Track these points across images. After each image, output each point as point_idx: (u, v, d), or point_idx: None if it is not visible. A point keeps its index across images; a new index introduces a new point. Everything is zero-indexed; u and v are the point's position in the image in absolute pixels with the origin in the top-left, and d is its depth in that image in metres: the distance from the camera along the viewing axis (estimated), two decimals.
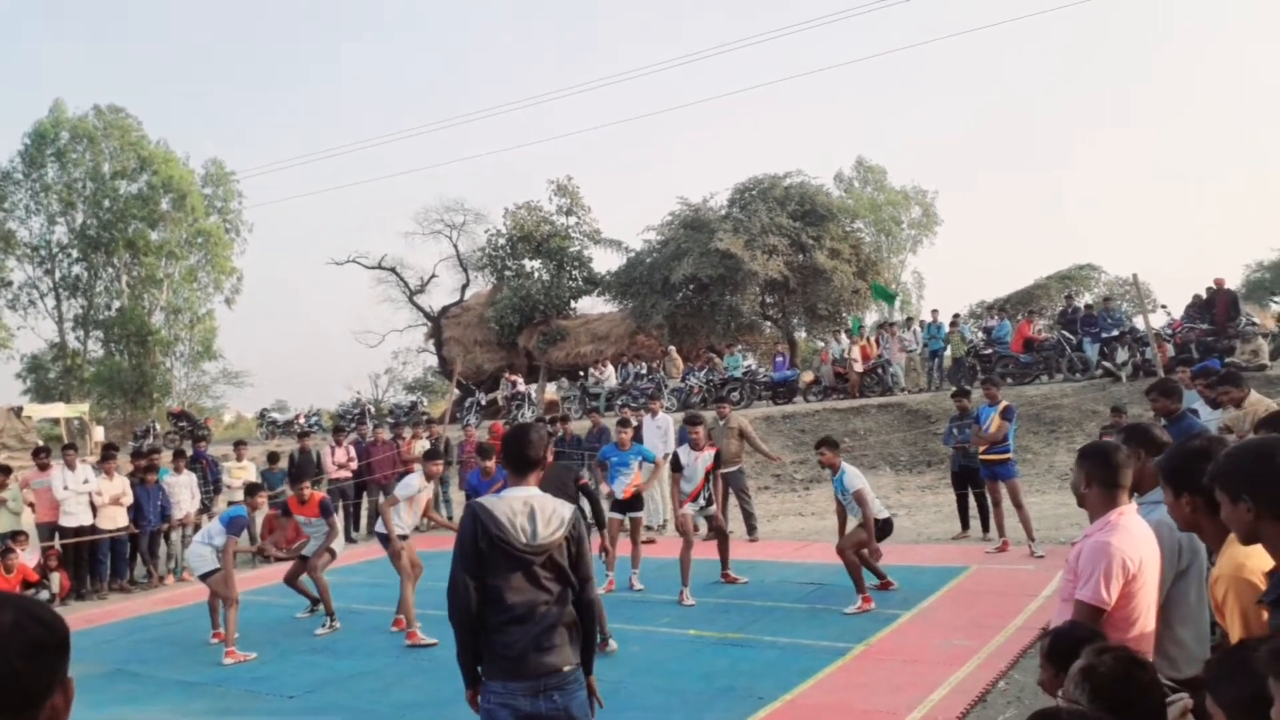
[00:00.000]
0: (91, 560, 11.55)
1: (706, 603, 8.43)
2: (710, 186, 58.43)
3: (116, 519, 11.64)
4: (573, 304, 29.94)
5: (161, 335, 38.81)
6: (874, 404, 18.16)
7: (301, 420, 26.95)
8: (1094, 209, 62.36)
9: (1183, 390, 7.54)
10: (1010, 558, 9.41)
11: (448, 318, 32.26)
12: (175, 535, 12.36)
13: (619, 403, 20.90)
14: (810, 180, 26.41)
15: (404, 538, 8.25)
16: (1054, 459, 14.29)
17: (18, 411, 23.38)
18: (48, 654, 1.32)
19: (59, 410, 29.01)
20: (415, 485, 8.34)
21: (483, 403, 25.24)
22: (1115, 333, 16.99)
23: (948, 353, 19.76)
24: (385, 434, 15.80)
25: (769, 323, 27.65)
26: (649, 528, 12.06)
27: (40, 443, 16.15)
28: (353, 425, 22.47)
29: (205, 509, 12.94)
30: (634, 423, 10.85)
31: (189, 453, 14.09)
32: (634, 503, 9.54)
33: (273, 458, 14.77)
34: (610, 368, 24.12)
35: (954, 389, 12.28)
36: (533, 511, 3.27)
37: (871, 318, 32.05)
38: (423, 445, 13.65)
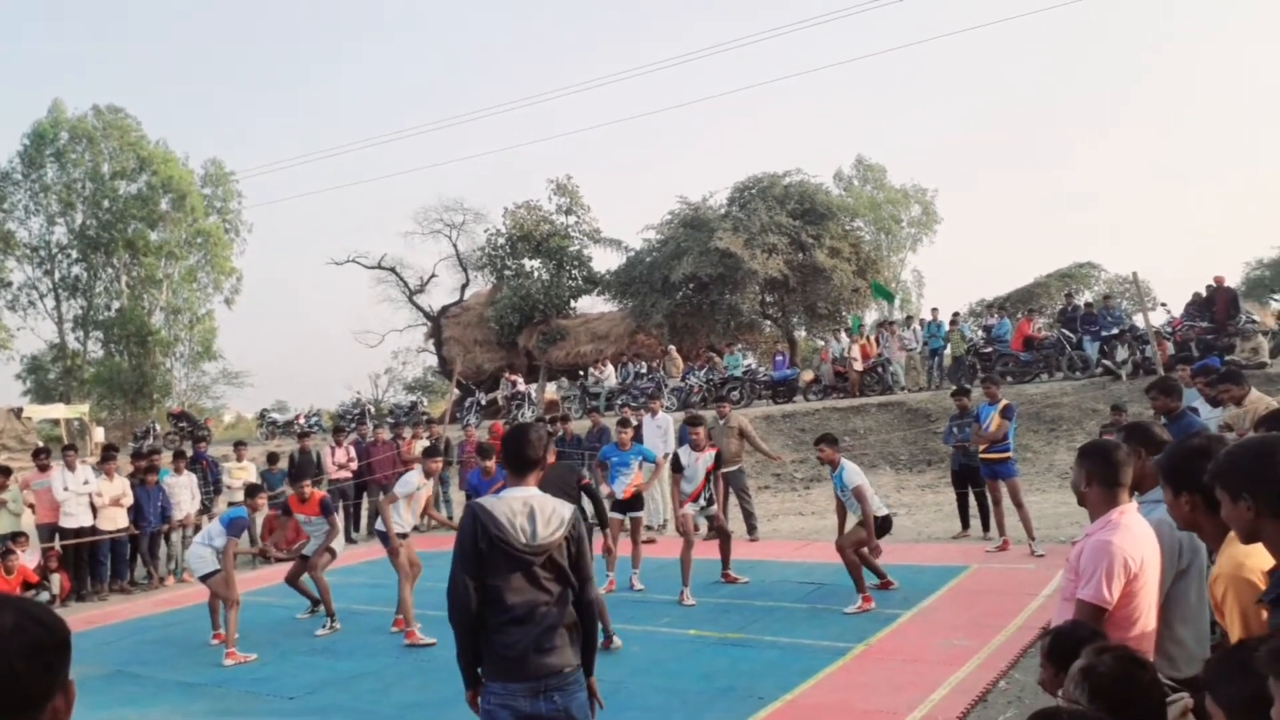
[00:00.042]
0: (92, 561, 11.55)
1: (707, 603, 8.43)
2: (710, 185, 58.45)
3: (117, 520, 11.64)
4: (572, 303, 29.96)
5: (161, 336, 38.81)
6: (874, 403, 18.16)
7: (301, 420, 26.95)
8: (1094, 208, 62.37)
9: (1182, 388, 7.54)
10: (1010, 557, 9.41)
11: (447, 317, 32.27)
12: (175, 536, 12.36)
13: (619, 402, 20.92)
14: (810, 179, 26.45)
15: (403, 536, 8.25)
16: (1054, 458, 14.29)
17: (18, 412, 23.34)
18: (49, 656, 1.32)
19: (59, 411, 28.99)
20: (414, 483, 8.35)
21: (483, 402, 25.24)
22: (1115, 331, 16.99)
23: (948, 351, 19.78)
24: (385, 434, 15.80)
25: (769, 322, 27.66)
26: (649, 528, 12.06)
27: (40, 444, 16.14)
28: (353, 425, 22.47)
29: (205, 510, 12.94)
30: (634, 422, 10.84)
31: (189, 453, 14.09)
32: (634, 503, 9.54)
33: (272, 458, 14.78)
34: (610, 367, 24.12)
35: (954, 388, 12.28)
36: (532, 512, 3.27)
37: (871, 316, 32.06)
38: (423, 445, 13.64)
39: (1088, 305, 18.70)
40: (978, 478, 10.35)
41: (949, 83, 65.29)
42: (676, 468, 8.88)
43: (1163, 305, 19.02)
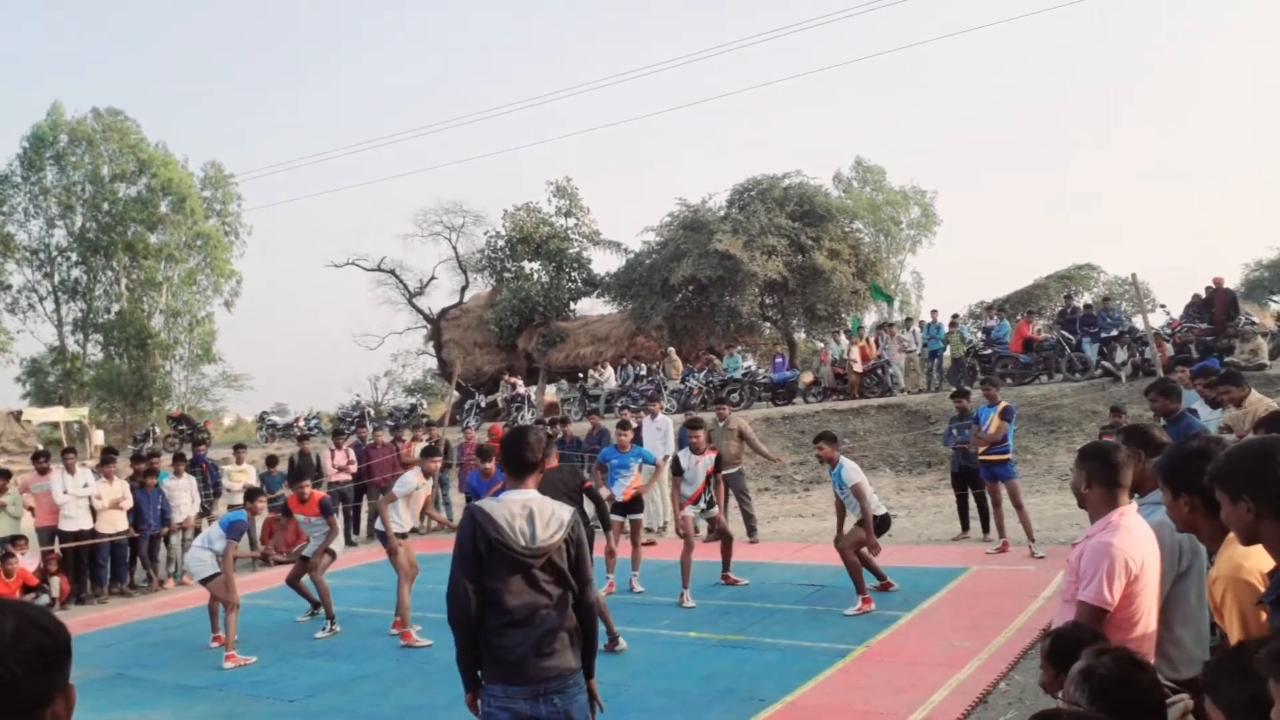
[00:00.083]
0: (91, 564, 11.54)
1: (707, 605, 8.43)
2: (709, 187, 58.43)
3: (116, 523, 11.63)
4: (572, 306, 29.96)
5: (161, 338, 38.82)
6: (873, 405, 18.17)
7: (301, 423, 26.94)
8: (1096, 208, 62.37)
9: (1182, 390, 7.54)
10: (1010, 558, 9.41)
11: (447, 320, 32.27)
12: (175, 539, 12.35)
13: (618, 404, 20.89)
14: (809, 181, 26.45)
15: (402, 536, 8.27)
16: (1054, 459, 14.30)
17: (17, 415, 23.32)
18: (49, 660, 1.32)
19: (58, 414, 28.97)
20: (413, 483, 8.36)
21: (482, 405, 25.23)
22: (1114, 332, 17.00)
23: (947, 353, 19.77)
24: (385, 436, 15.79)
25: (768, 324, 27.66)
26: (649, 530, 12.06)
27: (40, 447, 16.13)
28: (352, 428, 22.45)
29: (205, 513, 12.93)
30: (634, 425, 10.84)
31: (189, 456, 14.09)
32: (634, 505, 9.54)
33: (271, 461, 14.77)
34: (610, 369, 24.12)
35: (953, 389, 12.29)
36: (531, 514, 3.27)
37: (871, 318, 32.04)
38: (422, 448, 13.64)
39: (1087, 307, 18.71)
40: (977, 479, 10.35)
41: (950, 83, 65.39)
42: (677, 471, 8.88)
43: (1162, 307, 19.05)
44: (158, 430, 27.85)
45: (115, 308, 39.12)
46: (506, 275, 30.08)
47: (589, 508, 7.69)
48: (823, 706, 5.66)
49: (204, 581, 8.09)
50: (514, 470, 3.44)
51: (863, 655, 6.60)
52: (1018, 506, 9.67)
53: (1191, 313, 17.17)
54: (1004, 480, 9.86)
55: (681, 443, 9.50)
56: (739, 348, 23.84)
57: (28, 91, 60.74)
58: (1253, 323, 16.63)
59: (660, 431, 12.65)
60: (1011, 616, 7.19)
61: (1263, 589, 2.26)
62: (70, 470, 11.49)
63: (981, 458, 10.01)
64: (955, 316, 21.27)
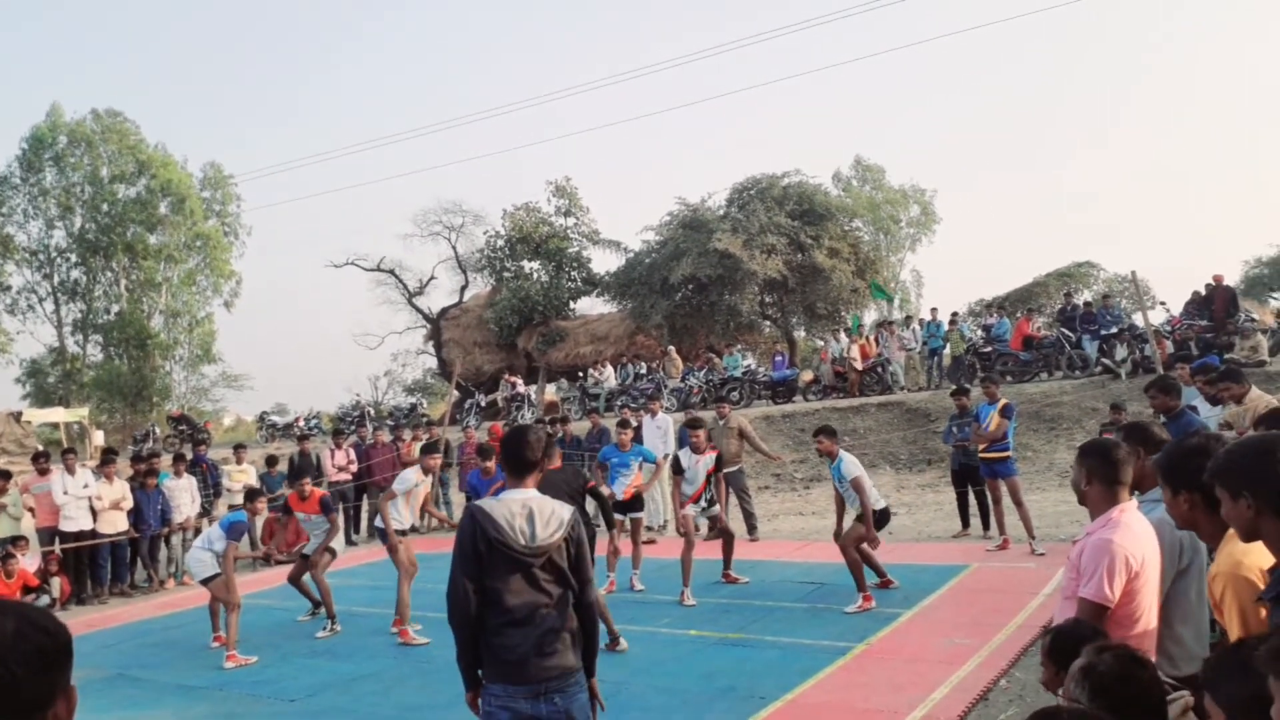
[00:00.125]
0: (92, 565, 11.54)
1: (707, 603, 8.43)
2: (708, 186, 58.51)
3: (116, 523, 11.62)
4: (572, 305, 29.97)
5: (161, 339, 38.82)
6: (873, 403, 18.17)
7: (301, 423, 26.95)
8: (1093, 208, 62.36)
9: (1181, 387, 7.54)
10: (1011, 556, 9.41)
11: (447, 319, 32.27)
12: (175, 539, 12.35)
13: (619, 403, 20.91)
14: (808, 180, 26.46)
15: (402, 534, 8.28)
16: (1054, 456, 14.30)
17: (17, 416, 23.32)
18: (50, 662, 1.32)
19: (58, 415, 28.99)
20: (412, 479, 8.37)
21: (482, 404, 25.24)
22: (1114, 330, 17.00)
23: (947, 351, 19.78)
24: (385, 436, 15.79)
25: (768, 322, 27.66)
26: (649, 528, 12.06)
27: (40, 447, 16.13)
28: (352, 428, 22.45)
29: (205, 513, 12.93)
30: (634, 423, 10.84)
31: (189, 456, 14.08)
32: (634, 503, 9.54)
33: (271, 461, 14.76)
34: (610, 368, 24.13)
35: (953, 387, 12.28)
36: (531, 513, 3.27)
37: (870, 316, 32.05)
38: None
39: (1087, 304, 18.71)
40: (977, 477, 10.35)
41: (948, 83, 65.38)
42: (677, 470, 8.88)
43: (1162, 304, 19.05)
44: (158, 430, 27.87)
45: (115, 308, 39.13)
46: (506, 275, 30.08)
47: (590, 507, 7.69)
48: (823, 704, 5.66)
49: (205, 582, 8.09)
50: (514, 469, 3.44)
51: (863, 653, 6.60)
52: (1018, 504, 9.68)
53: (1191, 310, 17.17)
54: (1004, 477, 9.86)
55: (682, 442, 9.50)
56: (739, 346, 23.86)
57: (27, 93, 60.80)
58: (1252, 319, 16.62)
59: (660, 430, 12.65)
60: (1012, 614, 7.19)
61: (1262, 586, 2.26)
62: (70, 471, 11.48)
63: (982, 455, 10.01)
64: (955, 314, 21.28)
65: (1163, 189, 62.16)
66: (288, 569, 9.58)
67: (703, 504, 8.92)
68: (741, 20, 66.66)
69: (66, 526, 11.28)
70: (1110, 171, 62.32)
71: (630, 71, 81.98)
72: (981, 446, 9.98)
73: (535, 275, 29.80)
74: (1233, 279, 24.60)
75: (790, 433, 17.33)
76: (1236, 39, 60.09)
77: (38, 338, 39.60)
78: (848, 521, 8.36)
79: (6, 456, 16.42)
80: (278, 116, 72.77)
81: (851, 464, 8.14)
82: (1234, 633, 2.36)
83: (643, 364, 24.00)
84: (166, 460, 14.42)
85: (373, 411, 28.06)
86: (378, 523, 8.63)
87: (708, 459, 8.84)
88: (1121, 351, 16.61)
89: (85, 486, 11.45)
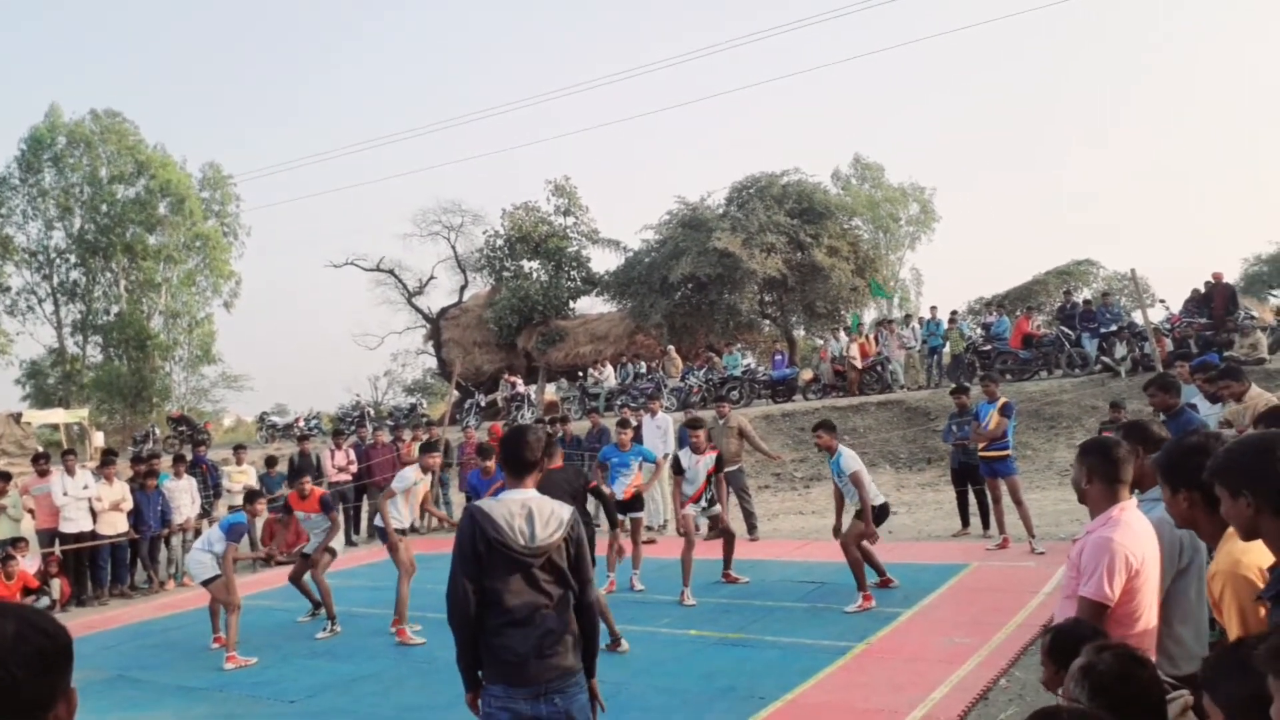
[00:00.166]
0: (92, 566, 11.53)
1: (707, 603, 8.43)
2: (708, 185, 58.48)
3: (116, 524, 11.61)
4: (571, 304, 29.94)
5: (160, 340, 38.82)
6: (873, 401, 18.17)
7: (301, 423, 26.95)
8: (1093, 208, 62.35)
9: (1181, 385, 7.54)
10: (1011, 554, 9.41)
11: (446, 319, 32.24)
12: (175, 540, 12.34)
13: (618, 403, 20.91)
14: (808, 178, 26.44)
15: (402, 533, 8.27)
16: (1053, 455, 14.29)
17: (17, 418, 23.31)
18: (51, 664, 1.32)
19: (58, 416, 28.98)
20: (411, 478, 8.38)
21: (482, 404, 25.24)
22: (1114, 328, 17.00)
23: (947, 349, 19.77)
24: (385, 436, 15.78)
25: (768, 321, 27.65)
26: (649, 528, 12.06)
27: (40, 449, 16.13)
28: (352, 428, 22.45)
29: (205, 514, 12.92)
30: (634, 423, 10.84)
31: (189, 457, 14.07)
32: (634, 503, 9.54)
33: (270, 462, 14.74)
34: (609, 368, 24.13)
35: (953, 386, 12.28)
36: (531, 513, 3.27)
37: (870, 315, 32.06)
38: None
39: (1086, 302, 18.71)
40: (977, 476, 10.34)
41: (947, 82, 65.40)
42: (677, 470, 8.88)
43: (1161, 302, 19.05)
44: (157, 431, 27.87)
45: (114, 309, 39.13)
46: (505, 274, 30.07)
47: (591, 506, 7.69)
48: (823, 704, 5.66)
49: (205, 583, 8.09)
50: (513, 470, 3.44)
51: (863, 652, 6.60)
52: (1017, 502, 9.68)
53: (1191, 308, 17.16)
54: (1004, 476, 9.86)
55: (682, 442, 9.50)
56: (738, 345, 23.86)
57: (25, 93, 60.77)
58: (1252, 317, 16.62)
59: (660, 430, 12.64)
60: (1012, 613, 7.19)
61: (1262, 585, 2.26)
62: (70, 472, 11.47)
63: (981, 454, 10.00)
64: (954, 313, 21.27)
65: (1162, 189, 62.23)
66: (288, 570, 9.57)
67: (703, 504, 8.93)
68: (739, 19, 66.80)
69: (66, 528, 11.28)
70: (1110, 171, 62.38)
71: (627, 71, 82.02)
72: (981, 445, 9.98)
73: (535, 275, 29.79)
74: (1232, 277, 24.63)
75: (790, 432, 17.32)
76: (1236, 39, 60.15)
77: (37, 339, 39.66)
78: (847, 518, 8.35)
79: (6, 458, 16.43)
80: (277, 116, 72.86)
81: (851, 458, 8.14)
82: (1233, 632, 2.36)
83: (642, 363, 24.00)
84: (166, 461, 14.41)
85: (372, 412, 28.06)
86: (377, 522, 8.64)
87: (708, 459, 8.84)
88: (1121, 349, 16.61)
89: (85, 488, 11.44)
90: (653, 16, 72.96)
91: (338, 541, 9.12)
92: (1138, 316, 17.16)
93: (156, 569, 12.20)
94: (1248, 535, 2.19)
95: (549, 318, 28.68)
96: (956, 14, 62.05)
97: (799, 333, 28.30)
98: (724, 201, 26.45)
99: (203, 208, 40.01)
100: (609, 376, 23.45)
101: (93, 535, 11.42)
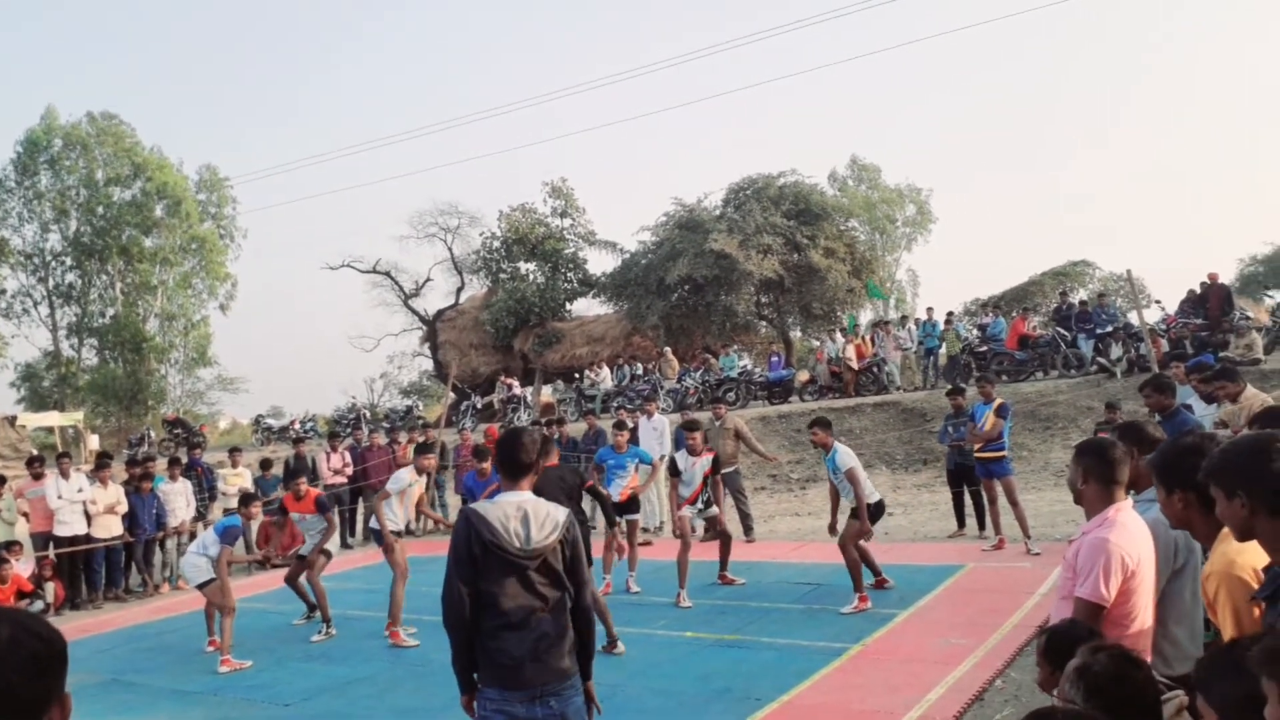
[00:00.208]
0: (86, 569, 11.50)
1: (703, 605, 8.42)
2: (704, 187, 58.48)
3: (111, 528, 11.58)
4: (568, 306, 29.94)
5: (156, 342, 38.77)
6: (869, 403, 18.18)
7: (297, 426, 26.90)
8: (1091, 209, 62.44)
9: (1176, 386, 7.54)
10: (1006, 555, 9.41)
11: (443, 321, 32.23)
12: (170, 543, 12.31)
13: (615, 404, 20.90)
14: (804, 179, 26.47)
15: (397, 535, 8.26)
16: (1049, 456, 14.30)
17: (12, 420, 23.34)
18: (45, 668, 1.32)
19: (53, 419, 28.96)
20: (405, 479, 8.38)
21: (478, 406, 25.22)
22: (1110, 328, 17.01)
23: (943, 350, 19.78)
24: (381, 439, 15.78)
25: (764, 322, 27.68)
26: (646, 530, 12.05)
27: (34, 451, 16.10)
28: (348, 430, 22.34)
29: (201, 517, 12.89)
30: (630, 425, 10.83)
31: (184, 460, 14.03)
32: (630, 505, 9.53)
33: (265, 464, 14.70)
34: (606, 369, 24.13)
35: (949, 387, 12.29)
36: (526, 516, 3.26)
37: (866, 316, 32.09)
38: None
39: (1082, 303, 18.73)
40: (973, 477, 10.35)
41: (948, 82, 65.49)
42: (674, 472, 8.87)
43: (1157, 302, 19.13)
44: (153, 434, 27.80)
45: (110, 312, 39.07)
46: (502, 276, 30.07)
47: (587, 507, 7.69)
48: (819, 705, 5.65)
49: (200, 587, 8.07)
50: (508, 472, 3.43)
51: (859, 654, 6.60)
52: (1013, 503, 9.68)
53: (1186, 308, 17.19)
54: (999, 477, 9.86)
55: (678, 444, 9.49)
56: (735, 347, 23.89)
57: (21, 96, 60.67)
58: (1247, 318, 16.64)
59: (656, 431, 12.63)
60: (1008, 614, 7.19)
61: (1256, 585, 2.25)
62: (65, 475, 11.44)
63: (977, 455, 10.01)
64: (950, 314, 21.27)
65: (1161, 189, 62.35)
66: (283, 573, 9.55)
67: (699, 505, 8.92)
68: (739, 19, 66.85)
69: (61, 531, 11.24)
70: (1109, 172, 62.47)
71: (627, 71, 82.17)
72: (977, 446, 9.98)
73: (531, 276, 29.78)
74: (1228, 277, 24.67)
75: (786, 433, 17.32)
76: (1236, 39, 60.26)
77: (32, 341, 39.69)
78: (842, 518, 8.34)
79: (1, 461, 16.40)
80: (275, 117, 72.86)
81: (846, 455, 8.13)
82: (1228, 632, 2.36)
83: (639, 365, 24.00)
84: (161, 464, 14.38)
85: (369, 414, 28.01)
86: (373, 524, 8.62)
87: (704, 461, 8.83)
88: (1117, 350, 16.64)
89: (80, 491, 11.41)
90: (653, 16, 73.08)
91: (333, 544, 9.10)
92: (1133, 317, 17.17)
93: (151, 572, 12.17)
94: (1242, 536, 2.18)
95: (545, 319, 28.67)
96: (956, 14, 62.24)
97: (795, 334, 28.33)
98: (720, 203, 26.48)
99: (199, 210, 39.98)
100: (605, 378, 23.45)
101: (87, 538, 11.38)
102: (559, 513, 3.35)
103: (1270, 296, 30.92)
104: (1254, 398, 7.12)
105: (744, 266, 23.44)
